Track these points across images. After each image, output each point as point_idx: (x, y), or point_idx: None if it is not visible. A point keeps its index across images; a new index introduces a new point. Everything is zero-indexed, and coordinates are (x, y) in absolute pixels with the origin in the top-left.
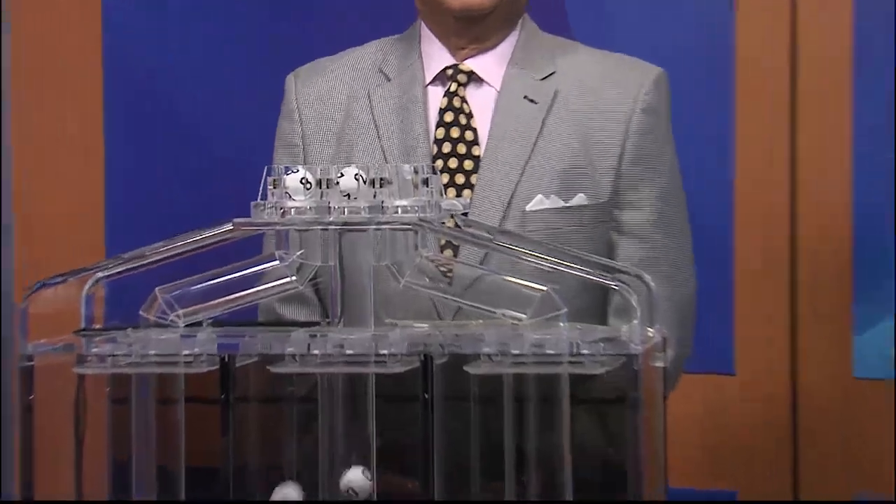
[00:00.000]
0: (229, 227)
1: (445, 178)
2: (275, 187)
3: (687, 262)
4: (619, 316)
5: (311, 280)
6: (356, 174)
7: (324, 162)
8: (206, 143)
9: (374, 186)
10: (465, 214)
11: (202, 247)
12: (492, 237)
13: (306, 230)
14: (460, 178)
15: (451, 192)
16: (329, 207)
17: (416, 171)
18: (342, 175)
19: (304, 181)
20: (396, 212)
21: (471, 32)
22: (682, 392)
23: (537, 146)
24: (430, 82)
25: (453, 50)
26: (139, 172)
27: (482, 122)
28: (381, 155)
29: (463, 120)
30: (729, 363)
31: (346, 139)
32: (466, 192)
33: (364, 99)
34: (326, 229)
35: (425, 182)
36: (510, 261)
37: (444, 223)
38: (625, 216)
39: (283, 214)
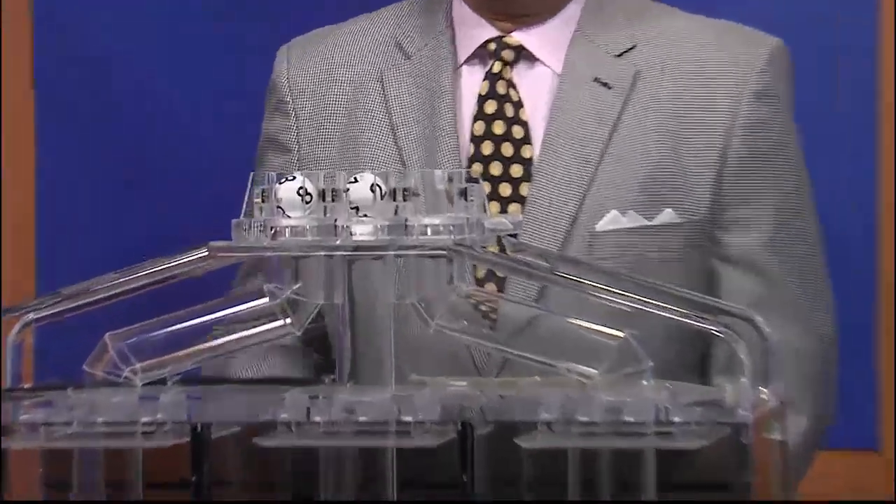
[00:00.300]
0: (203, 252)
1: (486, 189)
2: (263, 201)
3: (819, 298)
4: (723, 373)
5: (311, 323)
6: (373, 184)
7: (326, 166)
8: (172, 144)
9: (394, 199)
10: (514, 236)
11: (167, 279)
12: (550, 266)
13: (305, 257)
14: (505, 189)
15: (494, 206)
16: (335, 227)
17: (450, 180)
18: (354, 182)
19: (302, 192)
20: (425, 232)
21: (513, 5)
22: (814, 474)
23: (612, 145)
24: (466, 61)
25: (495, 19)
26: (82, 182)
27: (536, 114)
28: (396, 158)
29: (510, 111)
30: (871, 437)
31: (352, 137)
32: (514, 206)
33: (375, 82)
34: (332, 256)
35: (463, 194)
36: (575, 297)
37: (486, 248)
38: (731, 239)
39: (275, 236)
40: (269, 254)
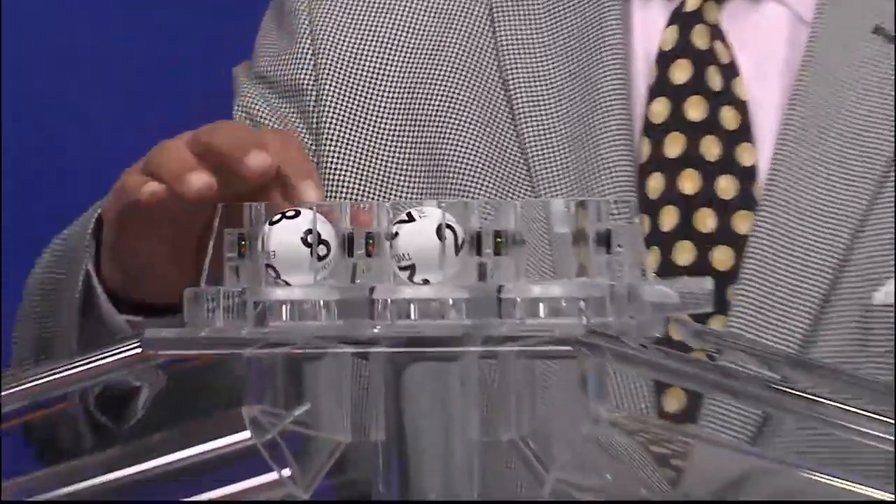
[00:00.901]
0: (134, 348)
1: (672, 219)
2: (241, 253)
3: None
4: None
5: (329, 478)
6: (440, 224)
7: (361, 185)
8: (92, 166)
9: (479, 252)
10: (704, 319)
11: (67, 397)
12: (778, 376)
13: (316, 358)
14: (706, 221)
15: (686, 251)
16: (372, 302)
17: (582, 208)
18: (407, 220)
19: (310, 239)
20: (535, 312)
21: None
22: None
23: None
24: None
25: None
26: None
27: (764, 88)
28: (517, 164)
29: (715, 80)
30: None
31: (427, 121)
32: (722, 252)
33: (479, 20)
34: (365, 356)
35: (604, 240)
36: (822, 431)
37: (648, 343)
38: None
39: (262, 319)
40: (249, 351)
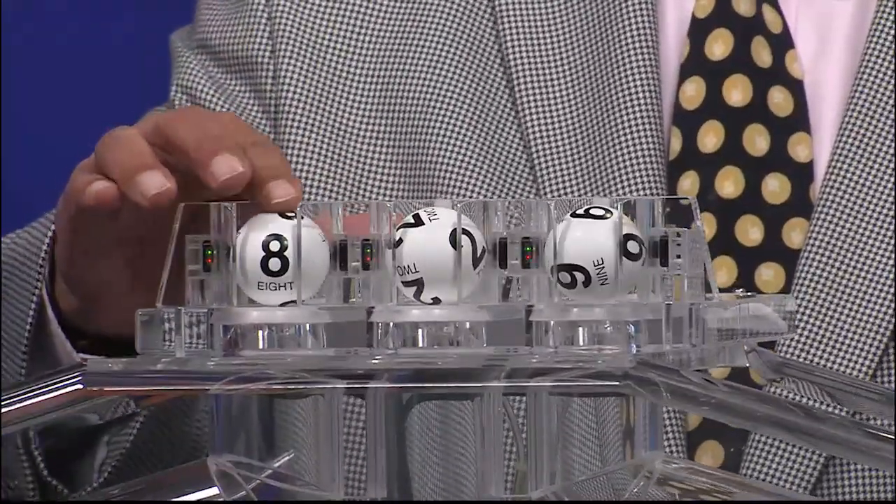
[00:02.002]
0: (74, 383)
1: (708, 229)
2: (206, 266)
3: None
4: None
5: None
6: (455, 228)
7: (329, 180)
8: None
9: (503, 264)
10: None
11: None
12: (872, 418)
13: (301, 395)
14: (748, 230)
15: (723, 269)
16: (371, 325)
17: (630, 210)
18: (413, 224)
19: (290, 245)
20: (572, 338)
21: None
22: None
23: None
24: None
25: None
26: None
27: (823, 66)
28: (518, 149)
29: (762, 56)
30: None
31: (409, 102)
32: (768, 273)
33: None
34: (361, 393)
35: (659, 249)
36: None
37: (709, 374)
38: None
39: (231, 346)
40: (217, 388)
